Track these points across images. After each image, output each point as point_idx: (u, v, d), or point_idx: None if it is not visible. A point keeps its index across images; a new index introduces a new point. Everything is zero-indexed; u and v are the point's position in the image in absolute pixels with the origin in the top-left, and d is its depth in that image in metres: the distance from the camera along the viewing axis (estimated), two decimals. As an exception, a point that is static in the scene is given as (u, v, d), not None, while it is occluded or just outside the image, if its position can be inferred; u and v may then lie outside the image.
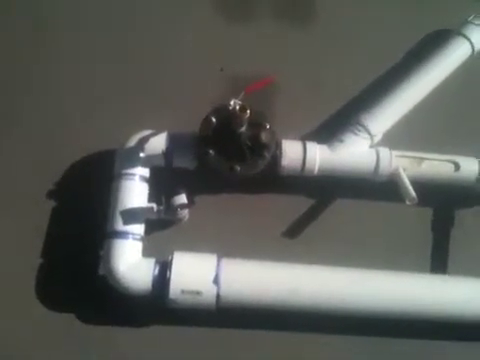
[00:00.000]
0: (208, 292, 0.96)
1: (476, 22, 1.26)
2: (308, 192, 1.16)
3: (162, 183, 1.08)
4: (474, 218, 1.18)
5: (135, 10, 1.33)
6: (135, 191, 1.04)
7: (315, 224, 1.14)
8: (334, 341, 1.06)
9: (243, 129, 0.98)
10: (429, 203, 1.17)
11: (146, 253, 1.03)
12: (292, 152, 1.08)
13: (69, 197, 1.13)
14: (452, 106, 1.26)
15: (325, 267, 1.03)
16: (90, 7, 1.33)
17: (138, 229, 1.03)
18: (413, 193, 1.00)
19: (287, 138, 1.10)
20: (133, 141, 1.06)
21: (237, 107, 0.92)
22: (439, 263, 1.14)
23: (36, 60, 1.27)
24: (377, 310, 1.01)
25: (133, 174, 1.05)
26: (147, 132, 1.06)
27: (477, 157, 1.13)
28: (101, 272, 1.01)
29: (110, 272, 0.99)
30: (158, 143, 1.05)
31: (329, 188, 1.15)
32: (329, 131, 1.15)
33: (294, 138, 1.12)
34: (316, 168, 1.08)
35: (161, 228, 1.10)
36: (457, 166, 1.11)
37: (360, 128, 1.11)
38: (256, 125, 1.00)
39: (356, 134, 1.10)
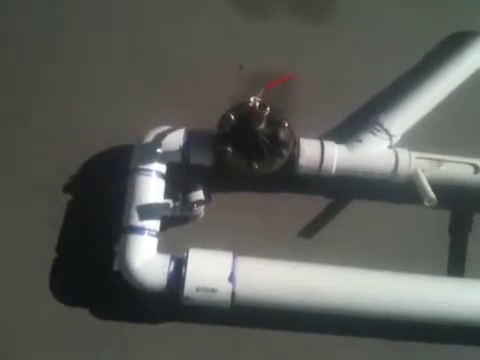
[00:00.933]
0: (223, 290, 0.95)
1: (497, 23, 1.25)
2: (325, 192, 1.15)
3: (178, 180, 1.08)
4: (492, 222, 1.16)
5: (153, 6, 1.33)
6: (151, 187, 1.04)
7: (331, 224, 1.13)
8: (349, 342, 1.05)
9: (261, 127, 0.98)
10: (447, 206, 1.15)
11: (161, 249, 1.03)
12: (310, 151, 1.07)
13: (85, 192, 1.13)
14: (472, 108, 1.25)
15: (341, 268, 1.02)
16: (107, 2, 1.32)
17: (154, 225, 1.03)
18: (432, 194, 0.99)
19: (305, 137, 1.09)
20: (150, 137, 1.06)
21: (257, 104, 0.91)
22: (456, 266, 1.12)
23: (52, 55, 1.27)
24: (393, 312, 0.99)
25: (150, 170, 1.04)
26: (165, 128, 1.06)
27: (497, 160, 1.11)
28: (116, 268, 1.01)
29: (125, 268, 0.99)
30: (175, 139, 1.05)
31: (346, 188, 1.14)
32: (348, 131, 1.14)
33: (312, 137, 1.11)
34: (334, 168, 1.07)
35: (176, 225, 1.10)
36: (477, 169, 1.10)
37: (379, 128, 1.09)
38: (275, 123, 1.00)
39: (375, 134, 1.09)
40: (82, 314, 1.04)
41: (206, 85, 1.24)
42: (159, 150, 1.05)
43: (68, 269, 1.08)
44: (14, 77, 1.24)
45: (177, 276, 0.97)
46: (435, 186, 1.01)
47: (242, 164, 1.00)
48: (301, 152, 1.06)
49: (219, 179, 1.11)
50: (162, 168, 1.07)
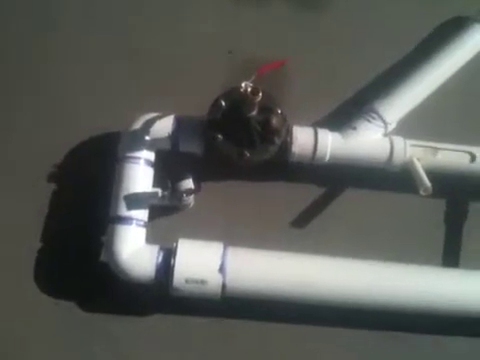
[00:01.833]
0: (213, 281, 0.94)
1: (494, 9, 1.22)
2: (318, 181, 1.13)
3: (168, 168, 1.05)
4: (489, 210, 1.15)
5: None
6: (139, 175, 1.02)
7: (325, 214, 1.12)
8: (341, 334, 1.05)
9: (253, 113, 0.95)
10: (442, 194, 1.13)
11: (150, 240, 1.01)
12: (303, 138, 1.04)
13: (71, 181, 1.11)
14: (469, 95, 1.22)
15: (334, 258, 1.00)
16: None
17: (142, 215, 1.01)
18: (428, 183, 0.97)
19: (298, 124, 1.07)
20: (138, 123, 1.03)
21: (248, 90, 0.89)
22: (451, 256, 1.11)
23: (40, 40, 1.23)
24: (386, 303, 0.98)
25: (138, 158, 1.02)
26: (153, 114, 1.03)
27: (494, 148, 1.10)
28: (103, 259, 0.99)
29: (112, 259, 0.97)
30: (164, 126, 1.02)
31: (340, 177, 1.12)
32: (342, 118, 1.12)
33: (305, 124, 1.08)
34: (327, 156, 1.05)
35: (166, 214, 1.08)
36: (473, 157, 1.08)
37: (374, 115, 1.07)
38: (267, 110, 0.97)
39: (370, 122, 1.07)
40: (68, 306, 1.03)
41: (197, 70, 1.21)
42: (147, 137, 1.02)
43: (53, 260, 1.06)
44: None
45: (166, 267, 0.94)
46: (430, 174, 1.00)
47: (233, 152, 0.98)
48: (294, 139, 1.04)
49: (209, 167, 1.09)
50: (151, 156, 1.04)
